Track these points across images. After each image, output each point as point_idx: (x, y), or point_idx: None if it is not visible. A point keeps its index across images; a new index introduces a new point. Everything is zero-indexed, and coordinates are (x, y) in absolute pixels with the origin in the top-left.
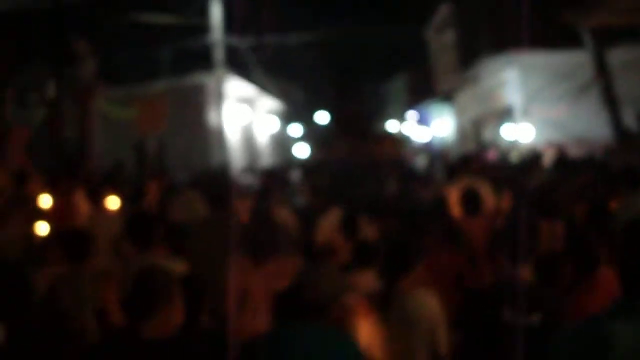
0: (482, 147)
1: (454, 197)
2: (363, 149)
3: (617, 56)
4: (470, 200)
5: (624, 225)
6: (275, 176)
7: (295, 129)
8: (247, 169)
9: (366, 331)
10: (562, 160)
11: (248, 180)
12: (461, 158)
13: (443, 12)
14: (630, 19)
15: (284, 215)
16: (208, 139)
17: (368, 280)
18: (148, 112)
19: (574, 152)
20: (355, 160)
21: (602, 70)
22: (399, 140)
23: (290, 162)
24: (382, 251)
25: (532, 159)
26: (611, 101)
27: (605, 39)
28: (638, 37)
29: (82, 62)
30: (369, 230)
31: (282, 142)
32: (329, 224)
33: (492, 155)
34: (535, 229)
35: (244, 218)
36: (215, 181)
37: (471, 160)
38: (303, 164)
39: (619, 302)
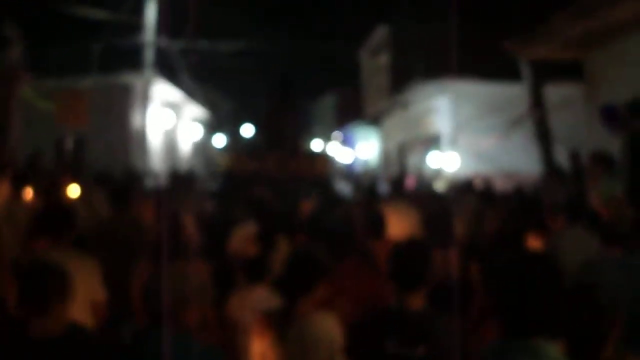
0: (402, 172)
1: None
2: (291, 165)
3: (553, 93)
4: (374, 223)
5: (500, 265)
6: (183, 181)
7: (219, 139)
8: (152, 173)
9: (259, 350)
10: (488, 192)
11: (154, 183)
12: (392, 182)
13: (379, 34)
14: (571, 54)
15: (187, 221)
16: (130, 140)
17: (259, 296)
18: (67, 107)
19: (501, 185)
20: (283, 175)
21: (538, 104)
22: (328, 160)
23: (212, 170)
24: (285, 268)
25: (464, 187)
26: (544, 136)
27: (543, 73)
28: (576, 74)
29: (10, 46)
30: (283, 247)
31: (205, 151)
32: (242, 235)
33: (410, 181)
34: (427, 256)
35: (148, 220)
36: (119, 182)
37: (400, 185)
38: (227, 174)
39: (494, 343)
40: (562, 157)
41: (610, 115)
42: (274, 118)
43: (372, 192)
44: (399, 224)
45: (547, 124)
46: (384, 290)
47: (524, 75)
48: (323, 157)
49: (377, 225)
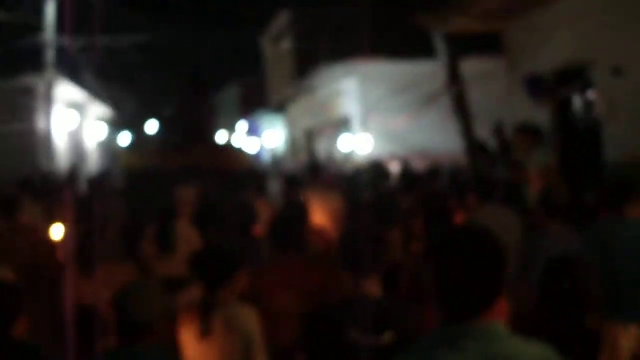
0: (314, 158)
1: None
2: (218, 158)
3: (468, 67)
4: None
5: (434, 244)
6: (99, 183)
7: (125, 137)
8: (42, 175)
9: (187, 343)
10: (408, 172)
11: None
12: (310, 168)
13: (281, 19)
14: (489, 26)
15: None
16: (36, 144)
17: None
18: None
19: (417, 165)
20: (212, 168)
21: (454, 80)
22: (244, 152)
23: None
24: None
25: (376, 169)
26: (462, 112)
27: (459, 47)
28: (491, 47)
29: None
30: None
31: (112, 150)
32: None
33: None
34: (380, 239)
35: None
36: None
37: (317, 171)
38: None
39: (439, 329)
40: (480, 133)
41: (535, 86)
42: (188, 111)
43: (292, 181)
44: (322, 211)
45: (465, 99)
46: (329, 279)
47: (439, 50)
48: (243, 151)
49: (301, 213)
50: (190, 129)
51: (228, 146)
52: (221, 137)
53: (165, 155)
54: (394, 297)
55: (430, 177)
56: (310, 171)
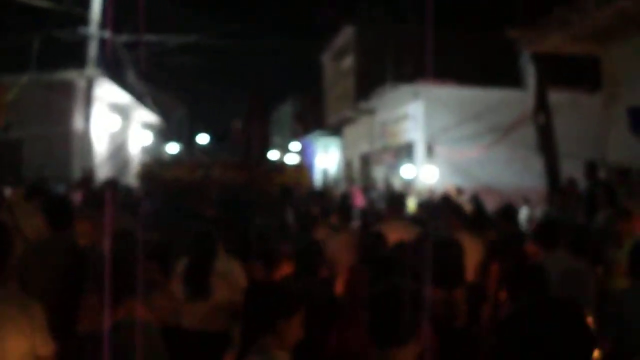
0: (366, 185)
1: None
2: (275, 177)
3: (558, 97)
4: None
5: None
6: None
7: (173, 147)
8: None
9: None
10: (481, 211)
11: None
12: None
13: (344, 35)
14: (584, 48)
15: None
16: (72, 142)
17: None
18: None
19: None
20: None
21: (542, 108)
22: (304, 170)
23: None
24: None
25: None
26: (549, 146)
27: (550, 72)
28: (583, 78)
29: None
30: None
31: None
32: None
33: (358, 196)
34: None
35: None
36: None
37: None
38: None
39: None
40: (566, 170)
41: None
42: (251, 128)
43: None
44: None
45: (552, 131)
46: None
47: (526, 73)
48: (299, 168)
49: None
50: (253, 147)
51: (297, 165)
52: (273, 156)
53: (232, 170)
54: None
55: (505, 218)
56: (391, 203)
